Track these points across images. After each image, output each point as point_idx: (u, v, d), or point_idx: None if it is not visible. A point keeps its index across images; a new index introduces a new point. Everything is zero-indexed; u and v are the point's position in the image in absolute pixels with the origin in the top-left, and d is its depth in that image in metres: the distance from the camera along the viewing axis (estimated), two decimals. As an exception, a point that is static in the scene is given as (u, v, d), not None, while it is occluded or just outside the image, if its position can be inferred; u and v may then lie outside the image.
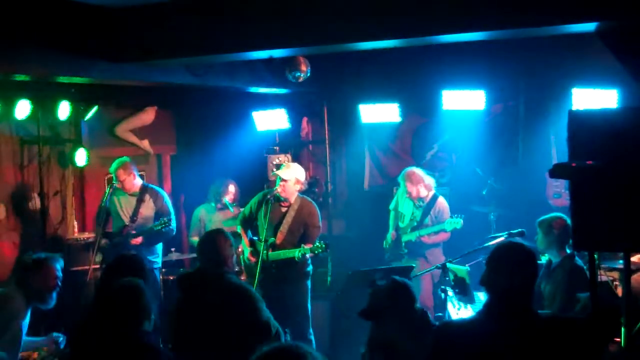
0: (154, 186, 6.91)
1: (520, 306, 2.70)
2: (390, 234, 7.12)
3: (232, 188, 7.41)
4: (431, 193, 6.92)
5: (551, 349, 2.61)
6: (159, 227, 6.38)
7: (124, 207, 6.60)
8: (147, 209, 6.60)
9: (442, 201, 6.94)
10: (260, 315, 4.09)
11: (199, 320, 4.05)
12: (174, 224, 6.56)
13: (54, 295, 4.26)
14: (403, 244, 6.92)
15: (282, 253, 5.86)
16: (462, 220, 6.63)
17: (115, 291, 3.56)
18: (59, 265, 4.29)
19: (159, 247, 6.74)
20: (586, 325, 2.94)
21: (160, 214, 6.61)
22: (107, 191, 6.47)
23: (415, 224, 6.87)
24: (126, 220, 6.55)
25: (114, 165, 6.56)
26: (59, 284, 4.27)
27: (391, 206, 7.29)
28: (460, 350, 2.67)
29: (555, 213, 5.01)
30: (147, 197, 6.61)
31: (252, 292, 4.24)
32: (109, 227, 6.68)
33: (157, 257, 6.71)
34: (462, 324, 3.01)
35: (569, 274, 4.67)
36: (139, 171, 7.95)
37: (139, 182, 6.69)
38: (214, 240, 4.23)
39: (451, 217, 6.69)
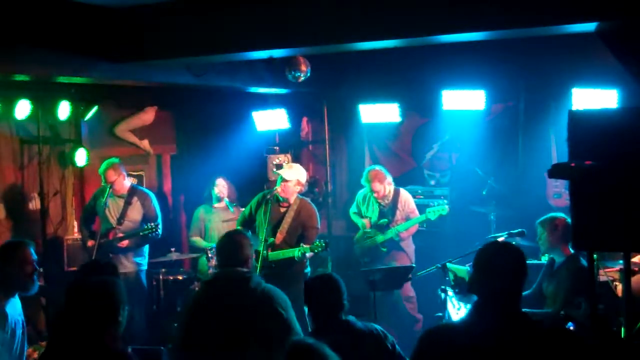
0: (143, 188, 6.89)
1: (509, 308, 2.64)
2: (365, 222, 7.07)
3: (220, 181, 7.37)
4: (393, 188, 7.01)
5: (540, 351, 2.57)
6: (146, 233, 6.35)
7: (112, 208, 6.55)
8: (135, 212, 6.56)
9: (404, 192, 7.06)
10: (289, 325, 3.91)
11: (218, 323, 3.87)
12: (160, 230, 6.49)
13: (35, 279, 4.01)
14: (379, 244, 6.94)
15: (282, 253, 5.87)
16: (446, 206, 6.72)
17: (84, 290, 3.25)
18: (31, 248, 4.05)
19: (146, 248, 6.71)
20: (576, 329, 2.93)
21: (147, 217, 6.56)
22: (106, 191, 6.44)
23: (387, 221, 6.92)
24: (113, 222, 6.51)
25: (103, 166, 6.50)
26: (37, 267, 4.03)
27: (352, 210, 7.33)
28: (447, 354, 2.62)
29: (554, 213, 5.00)
30: (134, 199, 6.57)
31: (283, 299, 4.01)
32: (96, 228, 6.66)
33: (143, 258, 6.69)
34: (449, 329, 2.95)
35: (573, 274, 4.65)
36: (139, 171, 7.97)
37: (128, 183, 6.65)
38: (235, 241, 4.09)
39: (432, 205, 6.84)
